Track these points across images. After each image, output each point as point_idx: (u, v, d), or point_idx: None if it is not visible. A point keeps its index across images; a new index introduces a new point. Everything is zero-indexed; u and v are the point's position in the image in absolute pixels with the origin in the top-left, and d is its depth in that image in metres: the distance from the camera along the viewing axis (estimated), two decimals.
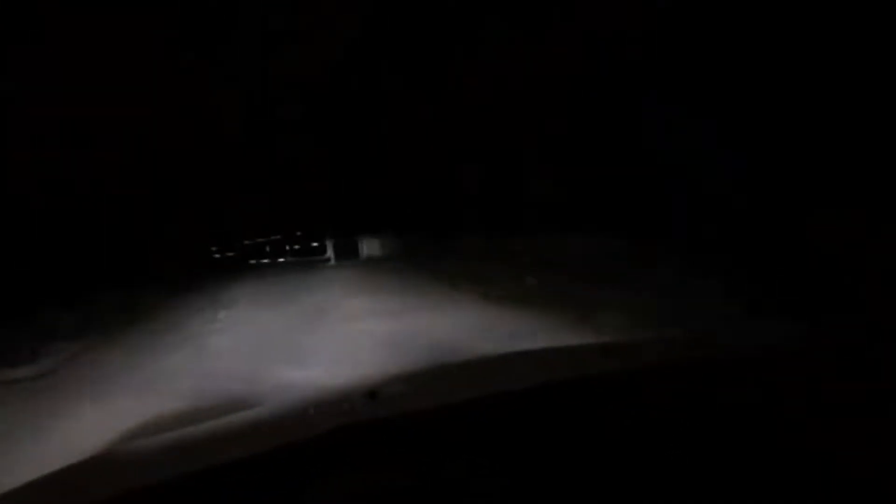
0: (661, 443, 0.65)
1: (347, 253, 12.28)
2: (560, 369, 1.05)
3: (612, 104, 7.86)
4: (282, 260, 14.71)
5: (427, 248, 10.18)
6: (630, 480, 0.58)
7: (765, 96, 5.65)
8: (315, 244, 13.42)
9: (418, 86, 11.17)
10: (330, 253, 12.61)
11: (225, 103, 13.40)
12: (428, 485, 0.62)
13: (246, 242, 16.63)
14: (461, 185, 9.68)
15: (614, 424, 0.71)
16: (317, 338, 4.71)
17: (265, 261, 15.31)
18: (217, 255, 16.99)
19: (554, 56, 8.37)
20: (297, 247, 14.54)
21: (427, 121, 11.23)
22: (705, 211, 5.81)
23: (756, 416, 0.69)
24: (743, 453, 0.61)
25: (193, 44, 11.60)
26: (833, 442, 0.62)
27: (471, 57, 9.89)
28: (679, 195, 6.30)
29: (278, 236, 15.34)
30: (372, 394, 0.92)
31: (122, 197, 13.16)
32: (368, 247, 12.13)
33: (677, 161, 6.47)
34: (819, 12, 5.08)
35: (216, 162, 15.38)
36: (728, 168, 5.74)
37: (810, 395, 0.74)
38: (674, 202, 6.34)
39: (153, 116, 12.38)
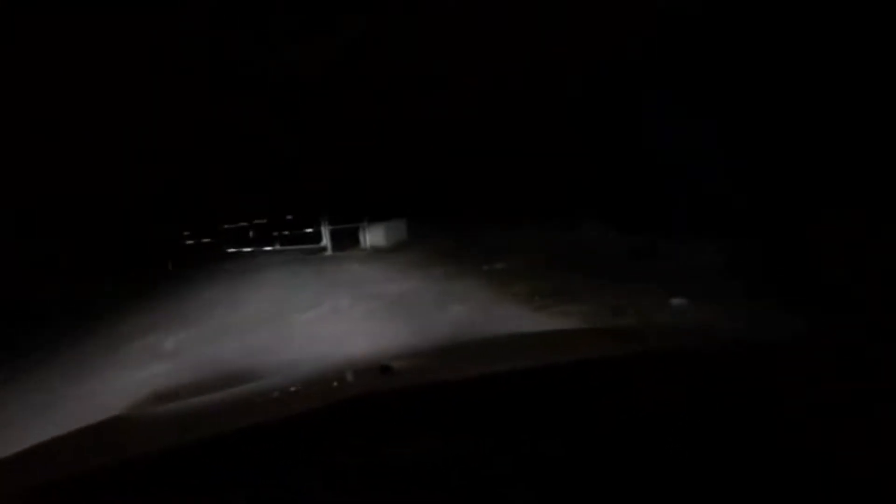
0: (660, 439, 0.64)
1: (347, 241, 10.56)
2: (566, 352, 1.07)
3: (612, 104, 7.86)
4: (268, 249, 12.48)
5: (444, 240, 9.06)
6: (625, 476, 0.58)
7: (765, 96, 5.66)
8: (308, 230, 11.42)
9: (417, 85, 11.17)
10: (326, 241, 10.70)
11: (225, 103, 13.40)
12: (433, 457, 0.63)
13: (225, 227, 14.06)
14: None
15: (612, 412, 0.72)
16: None
17: (247, 249, 12.97)
18: (190, 242, 14.38)
19: (554, 56, 8.38)
20: (286, 233, 12.31)
21: (426, 120, 11.24)
22: (705, 211, 5.81)
23: (756, 415, 0.69)
24: (742, 452, 0.61)
25: (193, 44, 11.61)
26: (833, 442, 0.62)
27: (470, 56, 9.90)
28: (679, 195, 6.30)
29: (263, 220, 13.07)
30: (385, 368, 0.94)
31: (121, 197, 13.19)
32: (372, 235, 10.30)
33: (677, 161, 6.47)
34: (819, 12, 5.08)
35: (216, 162, 15.38)
36: (728, 168, 5.74)
37: (810, 395, 0.74)
38: (674, 202, 6.34)
39: (154, 117, 12.40)
